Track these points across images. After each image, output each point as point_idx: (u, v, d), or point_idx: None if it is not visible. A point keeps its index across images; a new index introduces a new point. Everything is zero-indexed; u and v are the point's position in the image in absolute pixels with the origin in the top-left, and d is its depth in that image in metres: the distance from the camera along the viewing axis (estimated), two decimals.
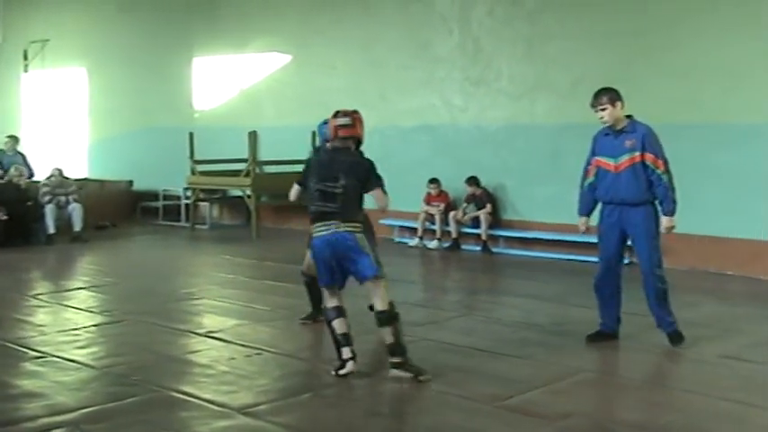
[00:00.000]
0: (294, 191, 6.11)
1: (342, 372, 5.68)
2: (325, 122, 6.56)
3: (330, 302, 5.85)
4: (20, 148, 15.11)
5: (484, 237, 12.08)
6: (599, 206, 6.91)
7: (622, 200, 6.59)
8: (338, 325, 5.78)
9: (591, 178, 6.87)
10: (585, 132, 11.55)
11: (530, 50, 12.11)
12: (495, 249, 12.06)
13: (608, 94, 6.66)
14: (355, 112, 5.90)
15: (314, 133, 14.18)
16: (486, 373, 5.94)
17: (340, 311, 5.83)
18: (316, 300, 7.04)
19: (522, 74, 12.20)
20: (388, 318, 5.70)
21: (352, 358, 5.71)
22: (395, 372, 5.63)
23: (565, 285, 9.68)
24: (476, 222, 12.24)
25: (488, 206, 12.14)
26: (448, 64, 12.93)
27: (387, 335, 5.68)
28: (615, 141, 6.65)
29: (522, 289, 9.61)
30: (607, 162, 6.69)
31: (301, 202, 6.34)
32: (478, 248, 12.14)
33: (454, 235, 12.36)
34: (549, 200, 11.89)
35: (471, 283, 10.51)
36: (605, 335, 6.82)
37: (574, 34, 11.65)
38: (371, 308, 6.03)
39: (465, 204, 12.39)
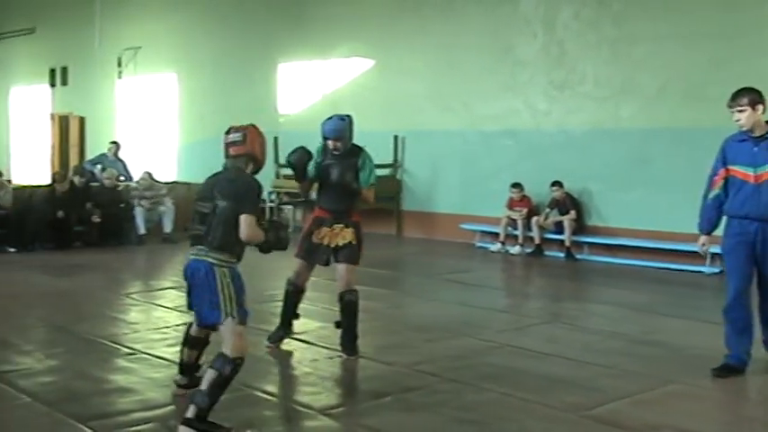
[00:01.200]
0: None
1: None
2: (329, 119, 6.61)
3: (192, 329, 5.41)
4: (120, 154, 15.81)
5: (567, 243, 11.94)
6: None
7: (762, 215, 5.79)
8: (186, 353, 5.42)
9: (717, 190, 6.00)
10: (674, 137, 11.47)
11: (615, 53, 11.94)
12: (579, 256, 11.91)
13: (749, 95, 5.79)
14: (251, 126, 5.12)
15: (396, 137, 14.33)
16: (570, 381, 5.87)
17: (190, 339, 5.42)
18: (289, 315, 6.79)
19: (608, 77, 12.03)
20: (222, 364, 4.75)
21: (182, 385, 5.35)
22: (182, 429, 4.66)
23: (652, 294, 9.50)
24: (559, 228, 12.10)
25: (572, 212, 11.99)
26: (531, 67, 12.84)
27: (206, 377, 4.74)
28: (755, 149, 5.82)
29: (608, 297, 9.47)
30: (745, 172, 5.84)
31: None
32: (562, 255, 12.01)
33: (537, 241, 12.25)
34: (635, 206, 11.69)
35: (555, 290, 10.39)
36: (734, 369, 6.00)
37: (661, 36, 11.45)
38: (337, 324, 6.29)
39: (548, 210, 12.28)
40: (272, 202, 15.43)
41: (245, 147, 5.02)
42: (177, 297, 9.07)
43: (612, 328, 7.66)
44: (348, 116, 6.63)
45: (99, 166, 14.91)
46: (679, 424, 5.14)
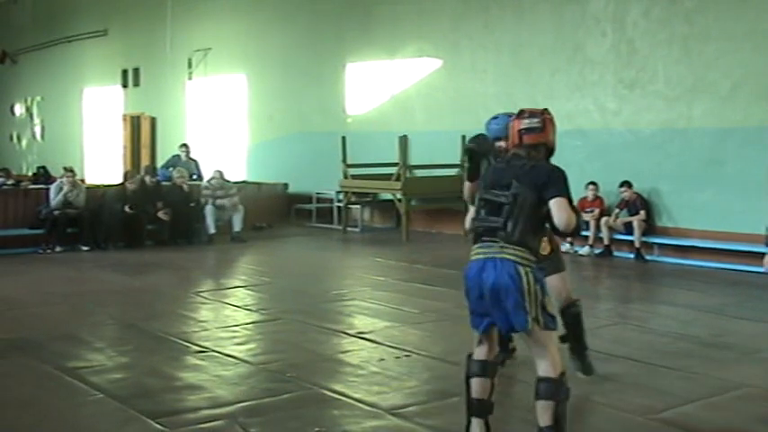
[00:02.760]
0: (466, 188, 5.36)
1: None
2: (495, 117, 5.70)
3: (477, 352, 4.48)
4: (192, 154, 16.28)
5: (637, 244, 11.75)
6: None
7: None
8: (475, 386, 4.43)
9: None
10: (747, 137, 11.21)
11: (687, 51, 11.71)
12: (648, 257, 11.71)
13: None
14: (545, 111, 4.56)
15: (463, 137, 14.28)
16: (639, 383, 5.79)
17: (484, 369, 4.43)
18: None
19: (679, 76, 11.81)
20: (553, 390, 4.19)
21: None
22: None
23: (724, 296, 9.29)
24: (629, 229, 11.92)
25: (642, 212, 11.81)
26: (601, 66, 12.68)
27: (542, 412, 4.21)
28: None
29: (678, 298, 9.30)
30: None
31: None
32: (631, 256, 11.82)
33: (606, 241, 12.08)
34: (707, 207, 11.46)
35: (624, 291, 10.25)
36: None
37: (734, 34, 11.19)
38: (562, 339, 5.45)
39: (617, 210, 12.10)
40: (339, 201, 15.53)
41: (544, 134, 4.48)
42: (246, 296, 9.23)
43: (682, 330, 7.53)
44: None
45: (172, 169, 15.23)
46: (751, 429, 5.04)
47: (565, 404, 4.24)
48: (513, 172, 4.32)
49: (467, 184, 5.55)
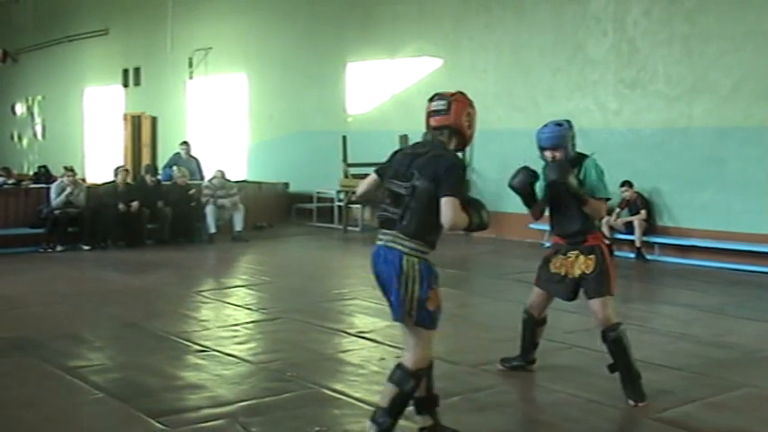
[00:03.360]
0: (364, 183, 4.79)
1: None
2: (545, 126, 5.70)
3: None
4: (193, 152, 16.32)
5: (638, 243, 11.76)
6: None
7: None
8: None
9: None
10: (748, 136, 11.22)
11: (688, 51, 11.72)
12: (649, 256, 11.72)
13: None
14: (457, 93, 4.59)
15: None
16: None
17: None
18: (526, 345, 5.98)
19: (680, 75, 11.81)
20: (402, 378, 4.29)
21: (425, 429, 4.55)
22: None
23: (724, 295, 9.30)
24: (629, 228, 11.93)
25: (643, 212, 11.81)
26: (601, 66, 12.68)
27: (386, 395, 4.32)
28: None
29: (679, 298, 9.31)
30: None
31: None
32: (632, 255, 11.82)
33: (607, 241, 12.05)
34: (707, 206, 11.47)
35: (625, 291, 10.21)
36: None
37: (735, 34, 11.20)
38: (611, 368, 5.37)
39: (618, 210, 12.11)
40: (340, 201, 15.53)
41: (449, 117, 4.41)
42: (247, 295, 9.23)
43: (683, 329, 7.53)
44: (567, 121, 5.72)
45: (175, 168, 15.24)
46: (752, 429, 5.04)
47: (406, 397, 4.29)
48: (415, 162, 4.26)
49: (531, 212, 5.69)
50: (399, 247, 4.20)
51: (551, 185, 5.40)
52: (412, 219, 4.19)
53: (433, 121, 4.43)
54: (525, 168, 5.70)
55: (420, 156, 4.28)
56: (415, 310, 4.20)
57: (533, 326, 5.90)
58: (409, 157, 4.33)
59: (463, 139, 4.46)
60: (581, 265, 5.48)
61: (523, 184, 5.60)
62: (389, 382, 4.31)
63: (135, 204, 12.81)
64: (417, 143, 4.52)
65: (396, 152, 4.56)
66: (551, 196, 5.53)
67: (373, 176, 4.60)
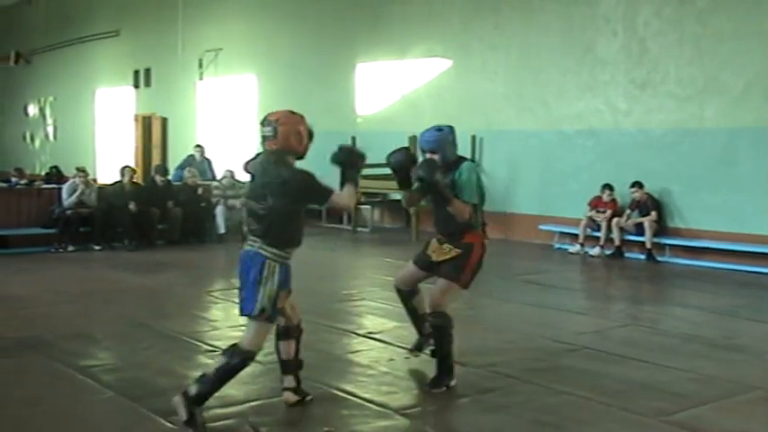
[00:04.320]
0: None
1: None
2: (427, 131, 5.84)
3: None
4: (206, 154, 16.46)
5: (648, 245, 11.72)
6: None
7: None
8: (282, 348, 5.27)
9: None
10: (759, 137, 11.17)
11: (699, 51, 11.68)
12: (660, 258, 11.68)
13: None
14: (281, 115, 4.97)
15: (473, 138, 14.28)
16: (650, 385, 5.77)
17: (285, 333, 5.26)
18: (411, 319, 6.26)
19: (691, 76, 11.77)
20: (228, 357, 4.85)
21: (288, 389, 5.23)
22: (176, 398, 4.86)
23: (736, 297, 9.27)
24: (639, 230, 11.89)
25: (653, 213, 11.78)
26: (612, 66, 12.65)
27: (214, 367, 4.91)
28: None
29: (690, 300, 9.27)
30: None
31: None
32: (642, 257, 11.80)
33: (617, 242, 12.05)
34: (718, 207, 11.43)
35: (635, 293, 10.23)
36: None
37: (747, 34, 11.16)
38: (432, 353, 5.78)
39: (629, 211, 12.07)
40: None
41: (278, 141, 4.90)
42: None
43: (693, 331, 7.51)
44: (449, 127, 5.88)
45: (186, 169, 15.27)
46: (763, 431, 5.02)
47: (231, 369, 4.83)
48: (267, 186, 4.84)
49: (405, 196, 5.92)
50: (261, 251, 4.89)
51: (419, 181, 5.64)
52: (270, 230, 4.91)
53: (268, 145, 4.92)
54: (407, 149, 5.91)
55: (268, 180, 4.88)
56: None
57: (404, 298, 6.12)
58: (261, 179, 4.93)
59: (302, 154, 5.06)
60: (448, 253, 5.73)
61: (400, 164, 5.73)
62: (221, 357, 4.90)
63: (132, 206, 12.77)
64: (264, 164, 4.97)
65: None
66: (428, 194, 5.78)
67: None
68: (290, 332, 5.28)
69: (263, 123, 4.91)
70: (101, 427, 5.07)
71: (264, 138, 4.89)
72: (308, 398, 5.28)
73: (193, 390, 4.80)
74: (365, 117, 16.50)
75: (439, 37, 15.12)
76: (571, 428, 5.01)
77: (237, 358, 4.80)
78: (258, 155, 5.13)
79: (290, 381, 5.26)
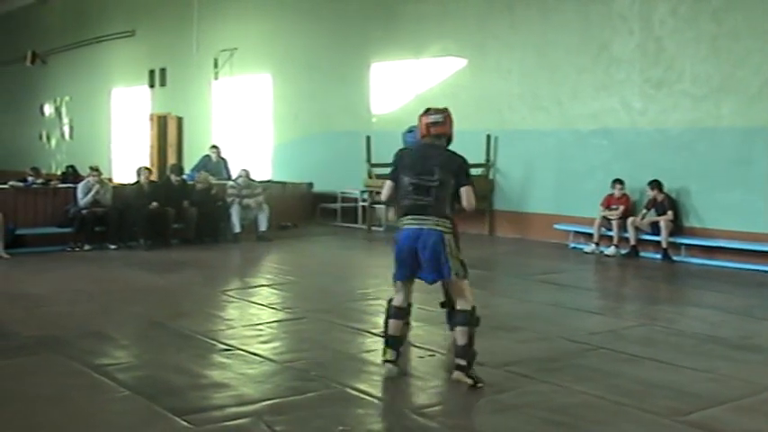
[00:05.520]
0: (387, 188, 5.87)
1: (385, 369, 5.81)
2: (410, 131, 6.81)
3: (397, 299, 5.87)
4: (222, 154, 16.57)
5: (664, 244, 11.67)
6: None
7: None
8: (393, 325, 5.82)
9: None
10: None
11: (715, 50, 11.62)
12: (675, 257, 11.63)
13: None
14: (446, 109, 5.87)
15: (488, 137, 14.26)
16: (665, 385, 5.74)
17: (401, 313, 5.86)
18: None
19: (707, 75, 11.72)
20: (467, 319, 5.65)
21: (392, 361, 5.80)
22: (457, 374, 5.61)
23: (752, 297, 9.22)
24: (655, 229, 11.85)
25: (669, 212, 11.72)
26: (627, 65, 12.61)
27: (460, 335, 5.63)
28: None
29: (706, 300, 9.23)
30: None
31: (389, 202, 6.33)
32: (658, 256, 11.75)
33: (632, 242, 12.01)
34: (735, 207, 11.37)
35: (651, 292, 10.18)
36: None
37: (763, 32, 11.10)
38: (443, 305, 6.33)
39: (645, 210, 12.02)
40: (364, 201, 15.55)
41: (445, 127, 5.80)
42: (271, 294, 9.26)
43: (709, 331, 7.47)
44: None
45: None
46: None
47: (474, 329, 5.67)
48: (433, 160, 5.66)
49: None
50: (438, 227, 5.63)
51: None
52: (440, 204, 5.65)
53: (434, 130, 5.81)
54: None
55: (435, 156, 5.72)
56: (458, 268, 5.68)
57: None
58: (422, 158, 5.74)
59: (450, 142, 5.89)
60: None
61: None
62: (457, 326, 5.70)
63: (154, 204, 12.86)
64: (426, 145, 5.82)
65: (400, 154, 5.92)
66: None
67: (390, 183, 5.87)
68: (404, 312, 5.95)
69: (429, 112, 5.82)
70: (116, 425, 5.09)
71: (434, 123, 5.76)
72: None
73: (463, 362, 5.58)
74: (380, 116, 16.50)
75: (454, 36, 15.10)
76: (586, 428, 4.99)
77: (472, 315, 5.64)
78: (407, 147, 6.29)
79: (392, 354, 5.82)
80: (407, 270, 5.75)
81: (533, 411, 5.24)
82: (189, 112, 21.70)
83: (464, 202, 5.65)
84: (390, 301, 5.91)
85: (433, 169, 5.60)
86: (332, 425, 4.90)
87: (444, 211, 5.66)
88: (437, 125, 5.76)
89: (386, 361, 5.82)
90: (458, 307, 5.70)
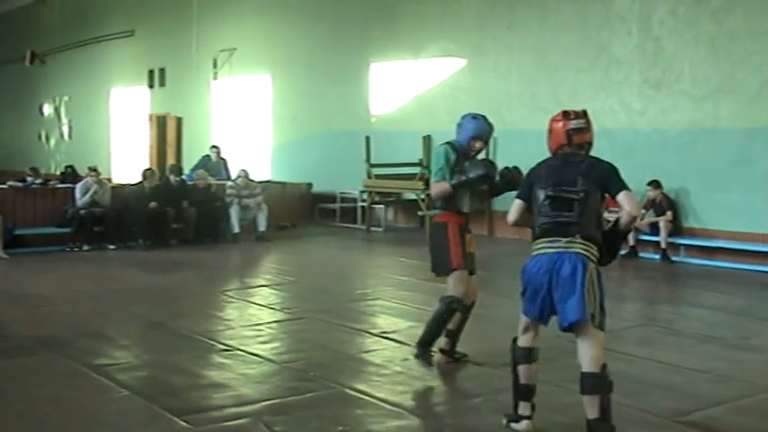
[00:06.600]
0: (515, 209, 5.03)
1: (515, 427, 4.82)
2: (475, 118, 6.28)
3: (523, 340, 4.85)
4: (222, 154, 16.63)
5: (663, 245, 11.67)
6: None
7: None
8: (524, 372, 4.82)
9: None
10: None
11: (714, 50, 11.62)
12: (674, 258, 11.63)
13: None
14: (586, 112, 4.88)
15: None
16: (665, 386, 5.76)
17: (530, 355, 4.83)
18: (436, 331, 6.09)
19: (706, 75, 11.72)
20: (597, 383, 4.50)
21: (529, 417, 4.82)
22: None
23: (751, 298, 9.22)
24: (654, 230, 11.85)
25: (668, 213, 11.72)
26: (626, 66, 12.61)
27: (590, 406, 4.50)
28: None
29: (705, 300, 9.23)
30: None
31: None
32: (657, 257, 11.75)
33: (631, 242, 12.00)
34: (734, 207, 11.37)
35: (650, 293, 10.18)
36: None
37: (762, 33, 11.10)
38: (443, 351, 6.07)
39: (644, 211, 12.02)
40: (363, 201, 15.55)
41: (589, 134, 4.85)
42: (270, 295, 9.27)
43: (708, 332, 7.47)
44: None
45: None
46: None
47: (609, 396, 4.51)
48: (574, 169, 4.69)
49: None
50: (581, 252, 4.54)
51: (490, 180, 6.39)
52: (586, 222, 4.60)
53: (577, 138, 4.81)
54: (486, 160, 6.65)
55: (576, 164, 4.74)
56: (597, 313, 4.52)
57: (468, 309, 6.30)
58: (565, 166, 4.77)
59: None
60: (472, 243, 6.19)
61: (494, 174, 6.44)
62: (586, 394, 4.53)
63: (154, 204, 12.88)
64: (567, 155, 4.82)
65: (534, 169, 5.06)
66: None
67: (519, 202, 5.01)
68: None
69: (569, 116, 4.83)
70: (115, 425, 5.09)
71: (577, 130, 4.78)
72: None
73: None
74: (379, 117, 16.50)
75: (453, 36, 15.11)
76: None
77: (604, 377, 4.53)
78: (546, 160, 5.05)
79: (526, 408, 4.89)
80: (535, 308, 4.72)
81: (537, 412, 5.23)
82: (188, 113, 21.69)
83: (626, 207, 4.60)
84: (515, 340, 4.90)
85: (575, 179, 4.63)
86: (331, 425, 4.90)
87: (591, 232, 4.57)
88: (580, 132, 4.77)
89: (522, 417, 4.81)
90: (583, 368, 4.52)
